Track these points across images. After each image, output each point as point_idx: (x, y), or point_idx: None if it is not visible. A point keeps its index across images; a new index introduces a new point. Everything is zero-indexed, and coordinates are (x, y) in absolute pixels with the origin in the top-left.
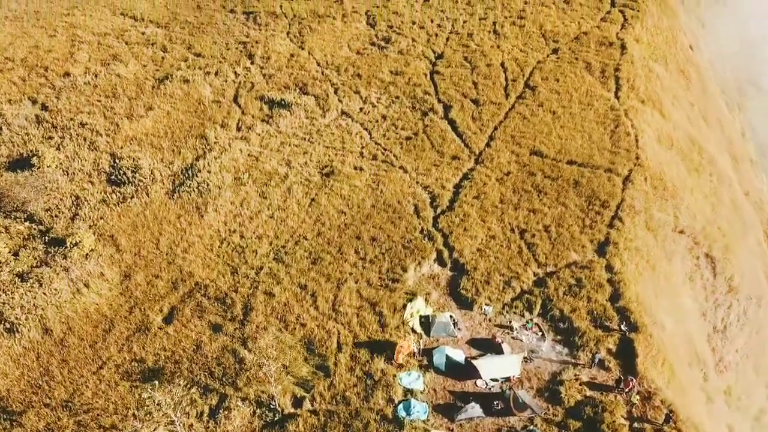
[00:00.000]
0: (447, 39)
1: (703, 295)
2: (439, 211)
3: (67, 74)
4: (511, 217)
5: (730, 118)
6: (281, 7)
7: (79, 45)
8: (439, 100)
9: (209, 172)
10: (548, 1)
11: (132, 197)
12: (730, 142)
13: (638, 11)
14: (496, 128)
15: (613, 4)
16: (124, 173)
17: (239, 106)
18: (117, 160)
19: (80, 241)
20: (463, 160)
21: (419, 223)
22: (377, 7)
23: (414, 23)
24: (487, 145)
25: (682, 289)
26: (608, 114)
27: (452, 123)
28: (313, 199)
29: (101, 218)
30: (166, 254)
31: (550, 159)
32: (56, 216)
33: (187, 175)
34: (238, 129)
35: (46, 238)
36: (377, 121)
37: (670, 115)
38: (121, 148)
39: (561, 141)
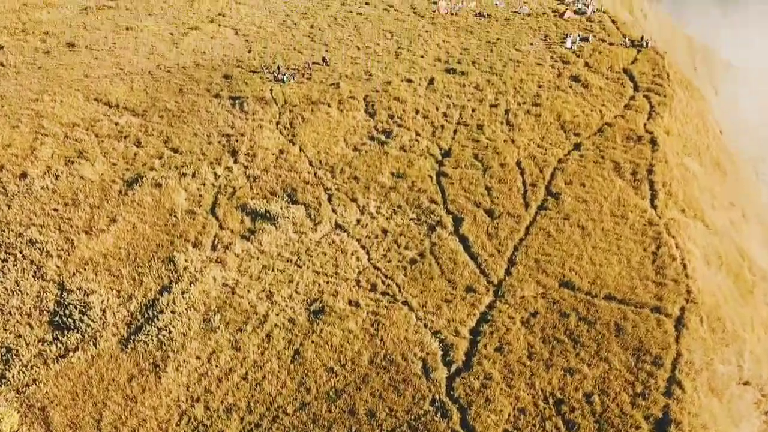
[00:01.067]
0: (455, 131)
1: None
2: (453, 368)
3: (24, 175)
4: (543, 381)
5: (761, 202)
6: (271, 91)
7: (42, 138)
8: (448, 211)
9: (173, 312)
10: (564, 84)
11: (76, 349)
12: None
13: (665, 96)
14: (516, 248)
15: (636, 89)
16: (71, 314)
17: (217, 218)
18: (65, 294)
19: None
20: (479, 292)
21: (429, 389)
22: (377, 91)
23: (417, 112)
24: (507, 272)
25: None
26: (647, 230)
27: (464, 240)
28: (297, 351)
29: (34, 381)
30: None
31: (583, 293)
32: None
33: (146, 317)
34: (214, 248)
35: None
36: (377, 237)
37: (713, 224)
38: (73, 275)
39: (595, 267)
